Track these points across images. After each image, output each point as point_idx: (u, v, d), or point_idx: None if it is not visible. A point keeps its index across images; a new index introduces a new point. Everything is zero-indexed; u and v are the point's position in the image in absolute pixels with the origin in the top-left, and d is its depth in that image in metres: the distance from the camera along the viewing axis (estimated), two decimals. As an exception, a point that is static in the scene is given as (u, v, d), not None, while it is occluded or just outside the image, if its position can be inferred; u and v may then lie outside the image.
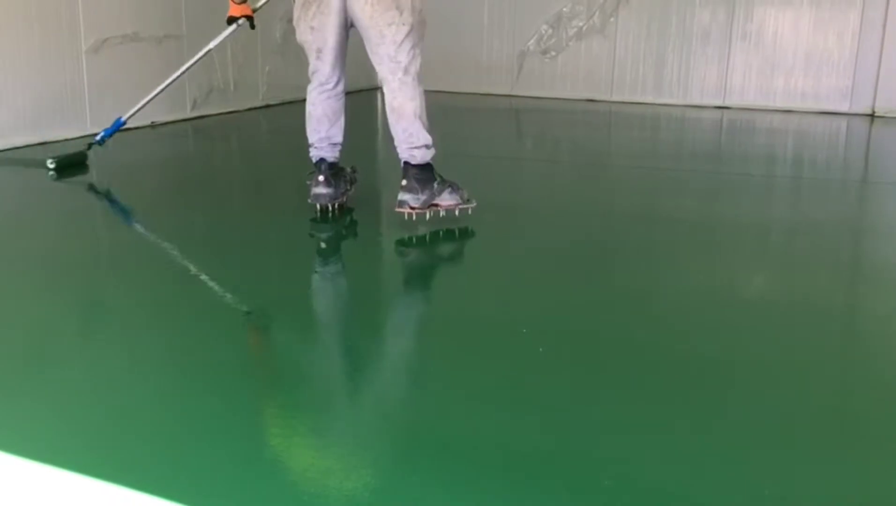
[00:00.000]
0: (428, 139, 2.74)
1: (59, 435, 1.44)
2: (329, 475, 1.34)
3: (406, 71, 2.70)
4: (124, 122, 3.82)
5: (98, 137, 3.78)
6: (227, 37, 3.63)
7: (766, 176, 4.08)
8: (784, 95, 5.98)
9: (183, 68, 3.82)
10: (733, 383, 1.70)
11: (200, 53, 3.75)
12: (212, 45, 3.70)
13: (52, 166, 3.49)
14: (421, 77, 2.74)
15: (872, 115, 5.71)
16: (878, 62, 5.65)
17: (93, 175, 3.79)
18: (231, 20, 3.45)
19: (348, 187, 2.99)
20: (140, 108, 3.81)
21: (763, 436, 1.47)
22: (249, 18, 3.46)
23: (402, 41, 2.66)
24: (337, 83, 2.84)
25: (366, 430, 1.50)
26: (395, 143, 2.77)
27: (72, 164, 3.60)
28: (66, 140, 4.18)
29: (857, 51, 5.71)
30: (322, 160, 2.87)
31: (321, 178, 2.84)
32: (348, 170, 3.02)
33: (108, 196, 3.44)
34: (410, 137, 2.72)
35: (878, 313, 2.16)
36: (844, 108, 5.79)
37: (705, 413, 1.56)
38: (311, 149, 2.91)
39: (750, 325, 2.02)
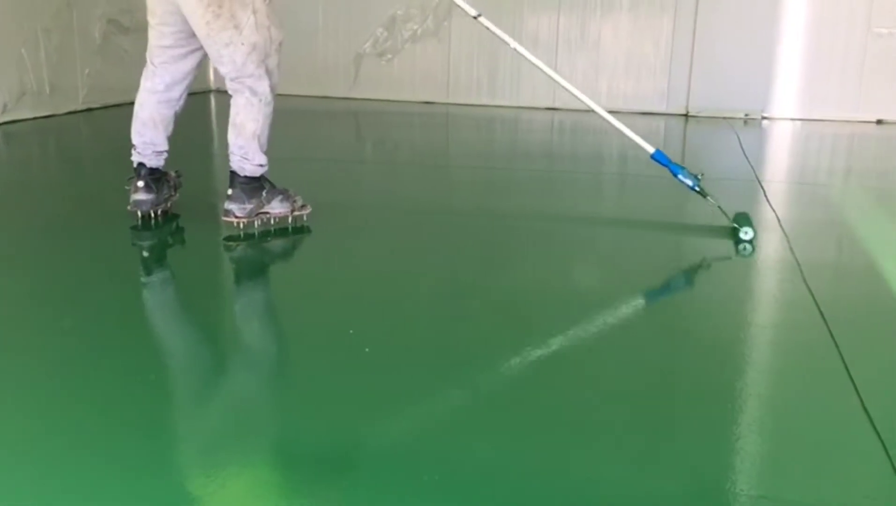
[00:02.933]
0: (263, 160, 2.66)
1: None
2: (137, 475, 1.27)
3: (253, 92, 2.59)
4: None
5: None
6: None
7: (594, 173, 4.29)
8: (608, 97, 6.30)
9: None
10: (565, 374, 1.77)
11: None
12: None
13: None
14: (271, 96, 2.63)
15: (686, 115, 6.13)
16: (690, 66, 6.08)
17: None
18: None
19: (172, 193, 2.85)
20: None
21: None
22: None
23: (244, 62, 2.54)
24: (167, 89, 2.69)
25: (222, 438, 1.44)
26: (229, 150, 2.68)
27: None
28: None
29: (671, 55, 6.12)
30: (141, 165, 2.73)
31: (140, 183, 2.70)
32: (172, 174, 2.89)
33: None
34: (245, 154, 2.64)
35: (693, 300, 2.32)
36: (662, 108, 6.19)
37: (519, 401, 1.61)
38: (133, 151, 2.76)
39: (580, 318, 2.11)
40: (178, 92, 2.72)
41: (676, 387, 1.72)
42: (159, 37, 2.63)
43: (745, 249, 2.71)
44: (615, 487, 1.32)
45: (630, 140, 3.08)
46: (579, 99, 3.05)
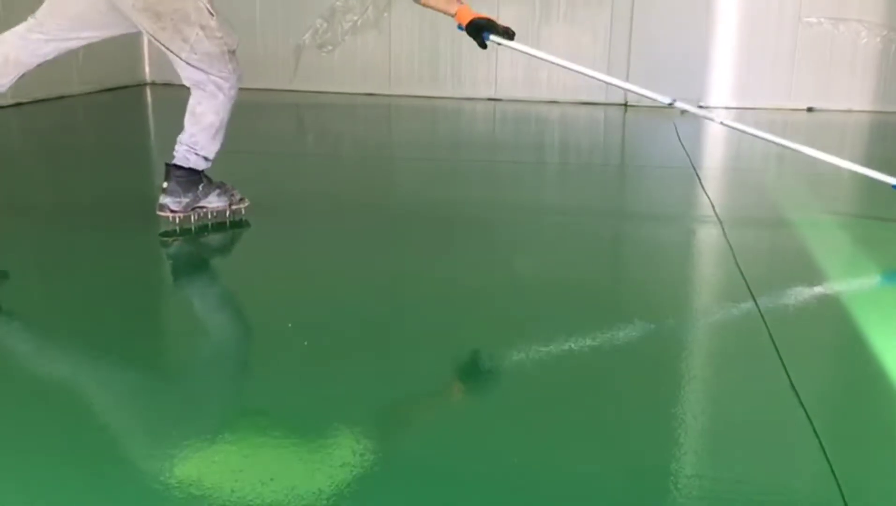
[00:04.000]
0: (211, 153, 2.62)
1: None
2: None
3: (219, 88, 2.54)
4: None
5: None
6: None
7: (536, 163, 4.32)
8: (548, 87, 6.36)
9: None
10: (499, 362, 1.78)
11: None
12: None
13: None
14: (235, 93, 2.58)
15: (625, 105, 6.22)
16: (628, 55, 6.17)
17: None
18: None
19: None
20: None
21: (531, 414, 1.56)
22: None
23: (198, 67, 2.49)
24: (46, 56, 2.54)
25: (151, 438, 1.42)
26: (177, 139, 2.61)
27: None
28: None
29: (609, 45, 6.21)
30: None
31: None
32: None
33: None
34: (194, 145, 2.59)
35: (630, 284, 2.36)
36: (602, 98, 6.26)
37: (463, 390, 1.63)
38: None
39: (516, 304, 2.13)
40: (53, 56, 2.59)
41: (615, 371, 1.75)
42: (71, 24, 2.53)
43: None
44: (555, 469, 1.33)
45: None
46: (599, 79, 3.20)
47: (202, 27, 2.48)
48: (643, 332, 1.95)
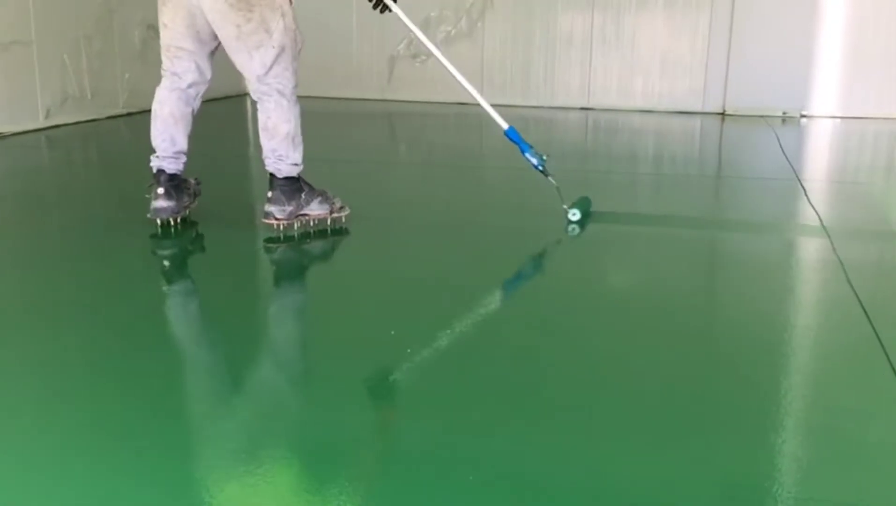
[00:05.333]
0: (297, 159, 2.69)
1: None
2: (203, 486, 1.29)
3: (281, 93, 2.62)
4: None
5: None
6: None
7: (629, 173, 4.26)
8: (643, 96, 6.26)
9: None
10: (599, 376, 1.76)
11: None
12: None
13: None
14: (295, 97, 2.67)
15: (723, 114, 6.06)
16: (727, 64, 6.01)
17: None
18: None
19: (191, 200, 2.85)
20: None
21: (629, 423, 1.53)
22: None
23: (273, 63, 2.57)
24: (189, 85, 2.70)
25: (249, 442, 1.46)
26: (263, 155, 2.71)
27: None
28: None
29: (708, 53, 6.06)
30: (161, 171, 2.72)
31: (160, 190, 2.70)
32: (192, 181, 2.89)
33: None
34: (280, 156, 2.67)
35: (726, 300, 2.30)
36: (698, 107, 6.13)
37: (572, 407, 1.61)
38: (152, 157, 2.75)
39: (613, 317, 2.10)
40: (196, 91, 2.74)
41: (720, 387, 1.70)
42: (178, 38, 2.63)
43: (573, 229, 2.85)
44: (651, 486, 1.31)
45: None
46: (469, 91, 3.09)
47: (283, 15, 2.55)
48: (752, 348, 1.89)
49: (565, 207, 2.86)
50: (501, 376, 1.72)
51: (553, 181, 2.92)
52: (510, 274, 2.48)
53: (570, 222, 2.87)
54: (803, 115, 5.95)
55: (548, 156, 2.94)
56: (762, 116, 5.88)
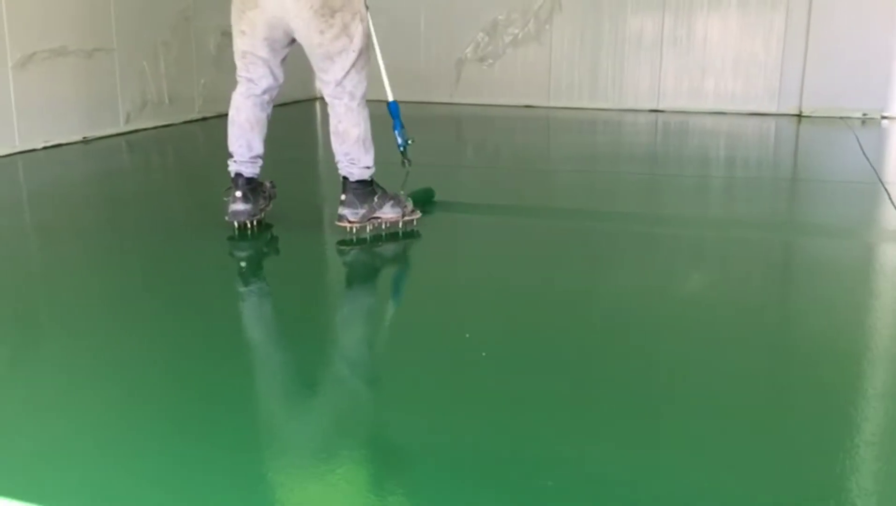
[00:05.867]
0: (369, 162, 2.72)
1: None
2: (283, 485, 1.32)
3: (352, 96, 2.66)
4: None
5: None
6: None
7: (701, 176, 4.18)
8: (715, 98, 6.14)
9: None
10: (675, 383, 1.73)
11: None
12: None
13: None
14: (365, 100, 2.71)
15: (800, 115, 5.90)
16: (803, 63, 5.85)
17: (21, 193, 3.69)
18: None
19: (267, 204, 2.91)
20: None
21: (704, 431, 1.51)
22: None
23: (350, 68, 2.62)
24: (264, 91, 2.76)
25: (321, 442, 1.49)
26: (335, 159, 2.75)
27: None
28: (-6, 158, 4.05)
29: (783, 53, 5.91)
30: (239, 175, 2.78)
31: (238, 194, 2.76)
32: (267, 185, 2.95)
33: (32, 213, 3.34)
34: (352, 160, 2.71)
35: (805, 308, 2.23)
36: (773, 108, 5.98)
37: (648, 413, 1.59)
38: (229, 162, 2.82)
39: (689, 323, 2.06)
40: (270, 96, 2.80)
41: (798, 398, 1.65)
42: (256, 46, 2.68)
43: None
44: (736, 498, 1.28)
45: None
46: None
47: (361, 19, 2.60)
48: (833, 357, 1.84)
49: (402, 192, 2.89)
50: (579, 381, 1.71)
51: (407, 167, 2.92)
52: (581, 276, 2.45)
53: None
54: (884, 117, 5.74)
55: (412, 141, 2.92)
56: (841, 118, 5.70)
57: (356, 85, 2.66)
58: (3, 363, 1.84)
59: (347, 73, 2.62)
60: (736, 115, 6.04)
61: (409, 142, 2.93)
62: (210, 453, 1.41)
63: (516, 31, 6.44)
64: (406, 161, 2.91)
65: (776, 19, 5.89)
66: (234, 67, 2.78)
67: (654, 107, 6.27)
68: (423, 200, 3.06)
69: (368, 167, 2.73)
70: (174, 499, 1.28)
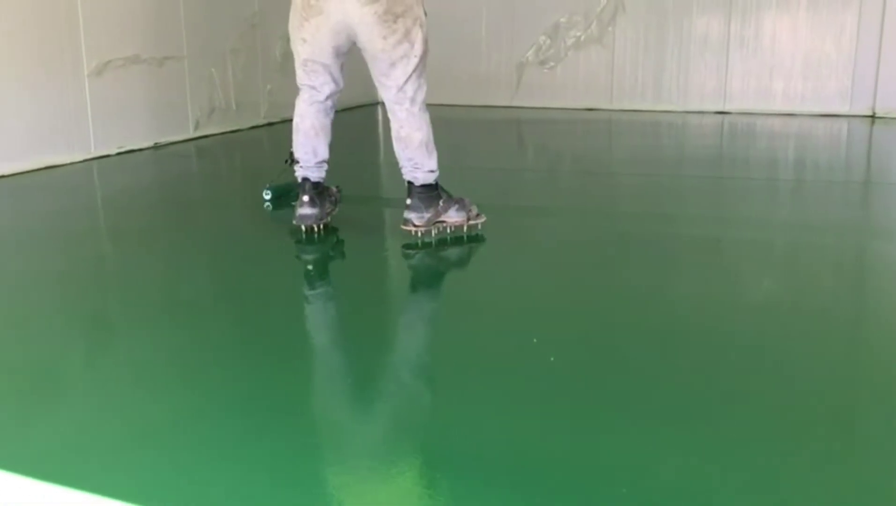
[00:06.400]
0: (432, 165, 2.74)
1: (75, 456, 1.44)
2: (349, 489, 1.33)
3: (413, 101, 2.68)
4: None
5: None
6: None
7: (769, 179, 4.08)
8: (784, 99, 5.99)
9: None
10: (745, 389, 1.70)
11: None
12: None
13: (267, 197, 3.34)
14: (425, 104, 2.73)
15: (873, 117, 5.71)
16: (877, 63, 5.67)
17: (96, 197, 3.82)
18: None
19: (333, 207, 2.94)
20: None
21: (778, 440, 1.47)
22: None
23: (412, 73, 2.64)
24: (327, 97, 2.79)
25: (385, 444, 1.50)
26: (399, 164, 2.77)
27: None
28: (70, 164, 4.20)
29: (856, 52, 5.73)
30: (306, 179, 2.82)
31: (305, 198, 2.80)
32: (333, 189, 2.99)
33: (106, 217, 3.45)
34: (416, 164, 2.73)
35: (882, 314, 2.16)
36: (845, 109, 5.80)
37: (720, 420, 1.56)
38: (295, 167, 2.86)
39: (761, 329, 2.02)
40: (333, 102, 2.84)
41: (869, 406, 1.60)
42: (318, 53, 2.71)
43: (267, 206, 3.28)
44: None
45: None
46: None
47: (421, 25, 2.63)
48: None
49: (267, 185, 3.28)
50: (651, 387, 1.69)
51: (287, 164, 3.11)
52: (648, 280, 2.42)
53: (265, 200, 3.33)
54: (964, 118, 5.52)
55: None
56: (918, 118, 5.50)
57: (417, 90, 2.68)
58: (78, 361, 1.91)
59: (408, 78, 2.65)
60: (806, 116, 5.88)
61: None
62: (274, 452, 1.44)
63: (578, 33, 6.40)
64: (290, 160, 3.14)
65: (848, 19, 5.71)
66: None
67: (719, 109, 6.15)
68: (282, 193, 3.32)
69: (432, 171, 2.75)
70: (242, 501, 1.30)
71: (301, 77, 2.79)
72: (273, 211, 3.26)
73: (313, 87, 2.78)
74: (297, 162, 2.86)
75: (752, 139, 5.43)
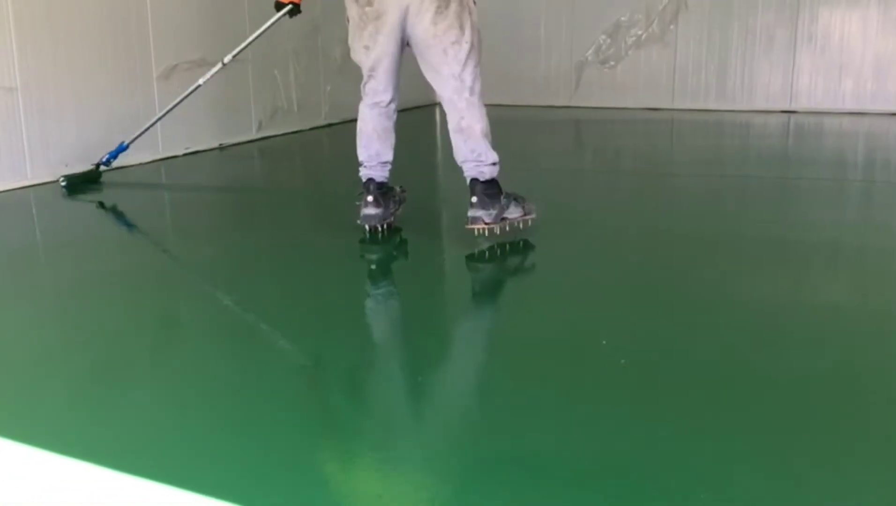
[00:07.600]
0: (495, 157, 2.74)
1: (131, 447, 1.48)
2: (403, 498, 1.34)
3: (472, 91, 2.70)
4: (127, 146, 3.97)
5: (104, 159, 3.91)
6: (273, 24, 3.66)
7: (836, 180, 3.98)
8: (853, 97, 5.83)
9: (193, 86, 4.03)
10: (808, 397, 1.66)
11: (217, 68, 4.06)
12: (258, 32, 3.89)
13: (63, 184, 3.73)
14: (482, 97, 2.74)
15: (948, 115, 5.52)
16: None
17: (164, 197, 3.91)
18: (279, 6, 3.43)
19: (397, 207, 2.96)
20: (144, 131, 4.03)
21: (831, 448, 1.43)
22: (296, 5, 3.41)
23: (466, 60, 2.66)
24: (390, 101, 2.83)
25: (440, 450, 1.51)
26: (460, 161, 2.77)
27: (85, 181, 3.83)
28: (140, 164, 4.31)
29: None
30: (371, 180, 2.85)
31: (370, 198, 2.83)
32: (397, 189, 3.01)
33: (172, 217, 3.54)
34: (479, 157, 2.73)
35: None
36: (918, 108, 5.62)
37: (790, 427, 1.52)
38: (360, 168, 2.90)
39: (830, 334, 1.97)
40: (395, 103, 2.87)
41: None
42: (381, 59, 2.74)
43: (63, 192, 3.66)
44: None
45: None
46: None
47: (470, 12, 2.66)
48: None
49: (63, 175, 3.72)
50: (720, 394, 1.66)
51: (98, 169, 3.85)
52: (714, 284, 2.38)
53: (62, 186, 3.71)
54: None
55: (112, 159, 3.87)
56: None
57: (475, 80, 2.70)
58: (147, 357, 1.96)
59: (464, 65, 2.66)
60: (876, 115, 5.71)
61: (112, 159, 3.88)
62: (337, 449, 1.45)
63: (640, 32, 6.32)
64: (101, 165, 3.82)
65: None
66: (357, 75, 2.86)
67: (786, 108, 6.01)
68: (82, 181, 3.77)
69: (495, 163, 2.74)
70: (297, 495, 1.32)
71: (367, 84, 2.83)
72: (69, 195, 3.66)
73: (377, 93, 2.82)
74: (361, 164, 2.90)
75: (820, 139, 5.30)
